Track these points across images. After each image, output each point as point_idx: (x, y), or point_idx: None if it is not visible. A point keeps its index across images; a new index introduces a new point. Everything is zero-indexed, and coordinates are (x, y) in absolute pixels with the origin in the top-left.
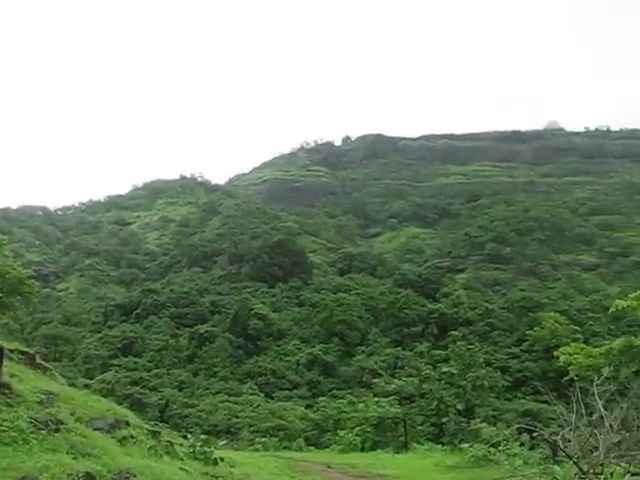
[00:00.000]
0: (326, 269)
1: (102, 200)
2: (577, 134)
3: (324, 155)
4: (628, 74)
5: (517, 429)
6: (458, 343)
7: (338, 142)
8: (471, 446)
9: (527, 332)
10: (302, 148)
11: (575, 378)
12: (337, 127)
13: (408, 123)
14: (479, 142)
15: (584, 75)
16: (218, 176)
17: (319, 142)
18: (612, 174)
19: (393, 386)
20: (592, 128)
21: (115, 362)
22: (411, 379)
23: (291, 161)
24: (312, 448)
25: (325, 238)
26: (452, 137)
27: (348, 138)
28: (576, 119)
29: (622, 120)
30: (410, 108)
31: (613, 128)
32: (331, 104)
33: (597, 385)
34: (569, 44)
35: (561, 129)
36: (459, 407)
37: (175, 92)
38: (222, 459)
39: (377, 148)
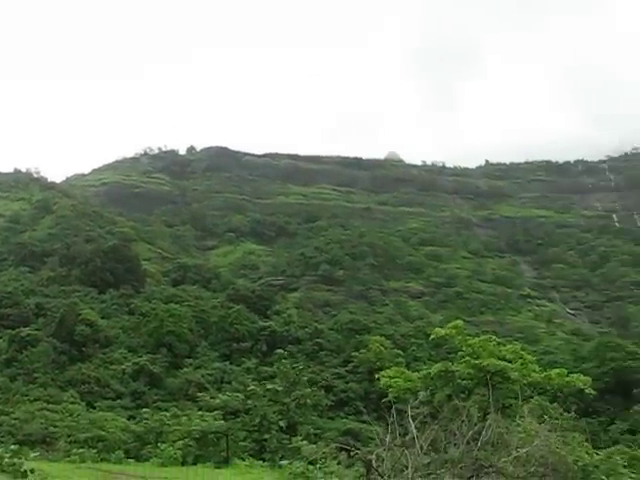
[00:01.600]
0: (159, 278)
1: None
2: (415, 167)
3: (167, 163)
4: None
5: (336, 447)
6: (284, 361)
7: (183, 151)
8: (290, 463)
9: (353, 354)
10: (145, 154)
11: (394, 400)
12: (183, 137)
13: (254, 140)
14: (322, 165)
15: (425, 111)
16: (56, 174)
17: (163, 149)
18: (443, 208)
19: (218, 400)
20: (429, 162)
21: None
22: (236, 394)
23: (133, 166)
24: (132, 461)
25: (161, 247)
26: (296, 158)
27: (193, 148)
28: (414, 153)
29: (454, 158)
30: (257, 125)
31: (448, 165)
32: (179, 113)
33: (412, 407)
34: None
35: (400, 161)
36: (282, 424)
37: (17, 82)
38: (33, 471)
39: (221, 161)
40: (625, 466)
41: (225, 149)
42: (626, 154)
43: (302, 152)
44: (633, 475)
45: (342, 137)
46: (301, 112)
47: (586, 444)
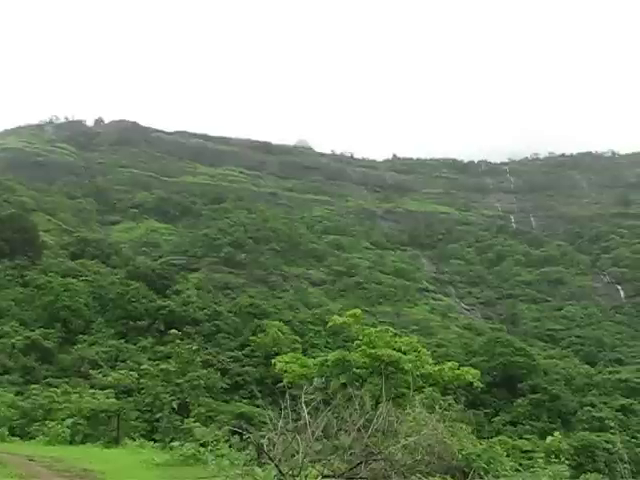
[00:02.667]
0: (57, 251)
1: None
2: (324, 155)
3: (73, 133)
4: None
5: (229, 430)
6: (179, 341)
7: (90, 123)
8: (182, 445)
9: (251, 337)
10: (51, 122)
11: (288, 385)
12: (90, 108)
13: (165, 117)
14: (231, 147)
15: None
16: None
17: (70, 119)
18: (349, 198)
19: (110, 379)
20: (338, 152)
21: None
22: (131, 373)
23: (36, 134)
24: (16, 439)
25: (61, 219)
26: (205, 137)
27: (101, 120)
28: (324, 141)
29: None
30: (168, 102)
31: (356, 156)
32: (88, 83)
33: (306, 393)
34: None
35: (310, 148)
36: (174, 405)
37: None
38: None
39: (129, 136)
40: (507, 455)
41: (134, 124)
42: (527, 158)
43: (212, 132)
44: (512, 463)
45: (253, 120)
46: (213, 92)
47: (471, 434)
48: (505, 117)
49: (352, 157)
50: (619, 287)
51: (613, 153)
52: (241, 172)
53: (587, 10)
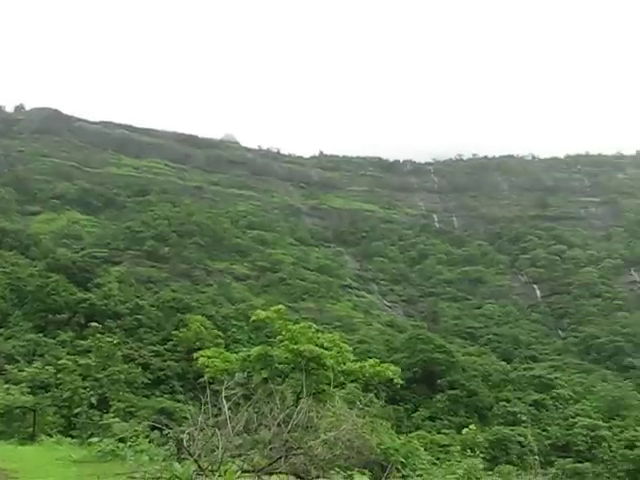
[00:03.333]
0: None
1: None
2: (250, 150)
3: None
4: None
5: (149, 426)
6: (99, 335)
7: (10, 109)
8: (100, 440)
9: (173, 332)
10: None
11: (210, 380)
12: (11, 94)
13: (89, 106)
14: (156, 139)
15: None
16: None
17: None
18: (274, 194)
19: (25, 373)
20: (265, 147)
21: None
22: (48, 367)
23: None
24: None
25: None
26: (130, 128)
27: (22, 107)
28: (251, 136)
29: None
30: (93, 91)
31: (283, 152)
32: (9, 67)
33: (228, 388)
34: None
35: (236, 143)
36: (93, 400)
37: None
38: None
39: (52, 124)
40: (425, 449)
41: (57, 111)
42: (451, 159)
43: (137, 124)
44: (429, 457)
45: (180, 113)
46: (140, 82)
47: (390, 429)
48: (431, 119)
49: (279, 153)
50: (535, 287)
51: (533, 157)
52: (166, 165)
53: (502, 13)
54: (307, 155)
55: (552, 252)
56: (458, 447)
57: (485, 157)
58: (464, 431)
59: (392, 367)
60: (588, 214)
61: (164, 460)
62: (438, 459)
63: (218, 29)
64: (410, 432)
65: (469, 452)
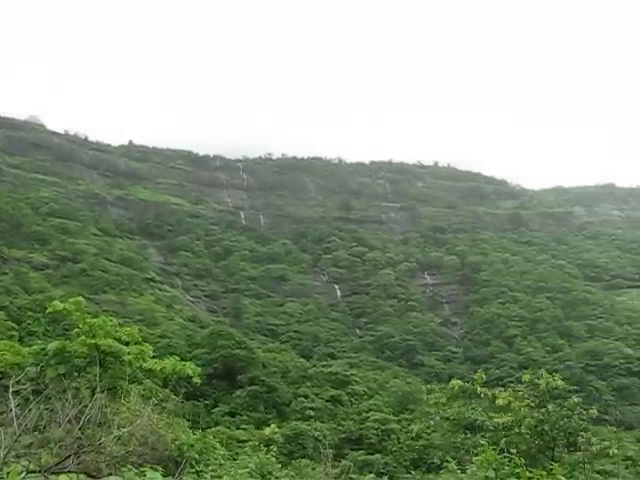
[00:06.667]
0: None
1: None
2: (56, 134)
3: None
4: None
5: None
6: None
7: None
8: None
9: None
10: None
11: None
12: None
13: None
14: None
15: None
16: None
17: None
18: (80, 181)
19: None
20: (72, 133)
21: None
22: None
23: None
24: None
25: None
26: None
27: None
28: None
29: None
30: None
31: (91, 138)
32: None
33: (18, 383)
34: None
35: (42, 125)
36: None
37: None
38: None
39: None
40: (223, 445)
41: None
42: (260, 157)
43: None
44: (224, 452)
45: None
46: None
47: (187, 425)
48: (242, 117)
49: (86, 139)
50: (336, 286)
51: (340, 161)
52: None
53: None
54: (116, 144)
55: (353, 253)
56: (256, 442)
57: (294, 158)
58: (267, 430)
59: (192, 366)
60: (388, 219)
61: None
62: (237, 454)
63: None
64: (209, 428)
65: (264, 447)
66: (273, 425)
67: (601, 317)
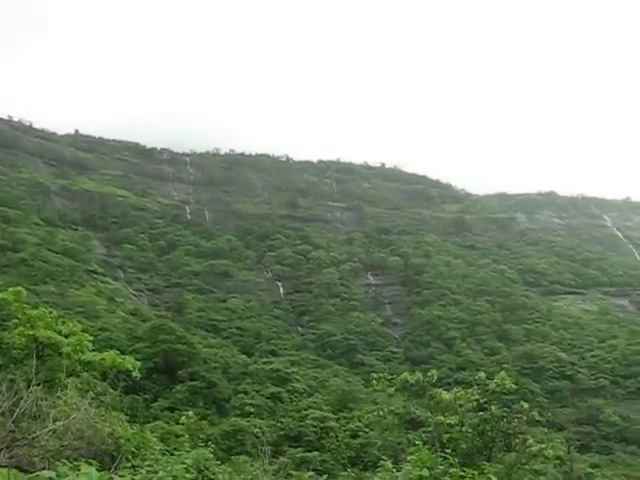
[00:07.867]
0: None
1: None
2: None
3: None
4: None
5: None
6: None
7: None
8: None
9: None
10: None
11: None
12: None
13: None
14: None
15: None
16: None
17: None
18: (22, 170)
19: None
20: (16, 119)
21: None
22: None
23: None
24: None
25: None
26: None
27: None
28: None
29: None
30: None
31: (36, 126)
32: None
33: None
34: None
35: None
36: None
37: None
38: None
39: None
40: (161, 439)
41: None
42: (208, 152)
43: None
44: (161, 447)
45: None
46: None
47: (124, 419)
48: (189, 112)
49: (31, 126)
50: (279, 284)
51: (288, 158)
52: None
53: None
54: (62, 132)
55: (298, 252)
56: (186, 436)
57: (242, 154)
58: (182, 419)
59: (131, 360)
60: (334, 218)
61: None
62: (175, 449)
63: None
64: (148, 422)
65: (200, 442)
66: (191, 414)
67: (538, 322)
